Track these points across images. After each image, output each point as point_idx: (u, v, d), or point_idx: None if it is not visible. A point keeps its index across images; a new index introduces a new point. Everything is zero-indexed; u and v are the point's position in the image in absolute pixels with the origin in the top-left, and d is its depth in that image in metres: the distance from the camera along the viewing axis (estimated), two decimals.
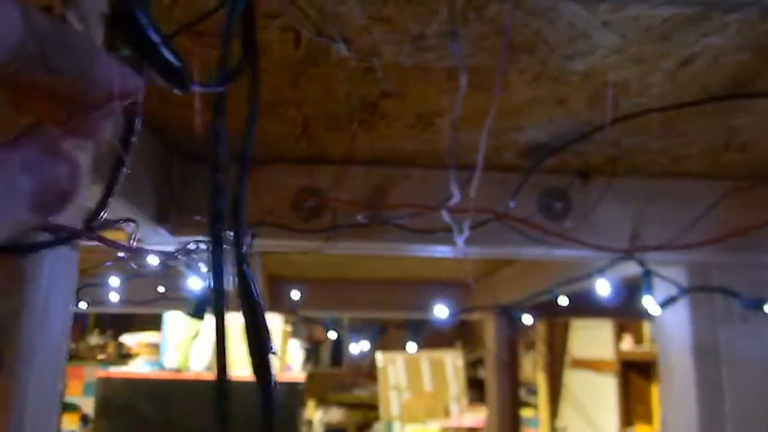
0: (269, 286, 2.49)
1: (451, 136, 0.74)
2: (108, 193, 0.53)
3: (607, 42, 0.64)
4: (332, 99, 0.81)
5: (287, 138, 0.97)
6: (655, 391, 3.56)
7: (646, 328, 3.61)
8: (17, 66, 0.23)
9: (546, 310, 1.93)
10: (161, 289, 1.66)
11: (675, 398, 1.11)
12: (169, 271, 1.34)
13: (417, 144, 0.97)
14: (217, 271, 0.24)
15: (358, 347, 1.72)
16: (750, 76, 0.70)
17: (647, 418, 3.58)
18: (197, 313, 1.17)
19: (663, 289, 1.03)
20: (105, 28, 0.23)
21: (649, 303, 0.95)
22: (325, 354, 7.58)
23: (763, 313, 1.04)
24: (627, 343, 3.72)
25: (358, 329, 1.78)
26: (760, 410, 1.05)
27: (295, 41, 0.67)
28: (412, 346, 1.53)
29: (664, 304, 0.92)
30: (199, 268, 1.18)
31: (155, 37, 0.23)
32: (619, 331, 3.76)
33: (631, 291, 1.18)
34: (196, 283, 1.18)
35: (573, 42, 0.64)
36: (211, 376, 3.66)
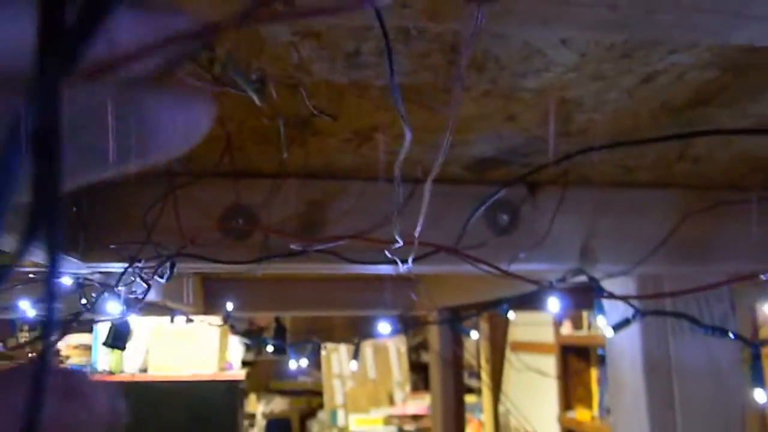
0: (202, 287, 2.37)
1: (394, 190, 0.66)
2: None
3: (564, 60, 0.57)
4: (256, 116, 0.72)
5: (210, 154, 0.87)
6: (594, 375, 3.62)
7: (585, 314, 3.66)
8: None
9: (488, 307, 1.89)
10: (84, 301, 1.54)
11: (625, 413, 1.08)
12: (87, 291, 1.22)
13: (355, 158, 0.89)
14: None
15: (296, 364, 1.64)
16: (715, 92, 0.65)
17: (587, 401, 3.65)
18: (114, 344, 1.06)
19: (613, 304, 1.00)
20: None
21: (603, 324, 0.91)
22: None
23: (714, 316, 1.02)
24: (566, 328, 3.77)
25: (295, 346, 1.71)
26: (712, 423, 1.03)
27: (210, 57, 0.57)
28: (354, 365, 1.47)
29: (618, 327, 0.88)
30: (117, 293, 1.07)
31: None
32: (560, 318, 3.80)
33: (573, 291, 1.14)
34: (114, 307, 1.07)
35: (526, 60, 0.57)
36: (146, 377, 3.51)
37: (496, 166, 0.89)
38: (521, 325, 4.43)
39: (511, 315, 1.07)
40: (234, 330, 2.02)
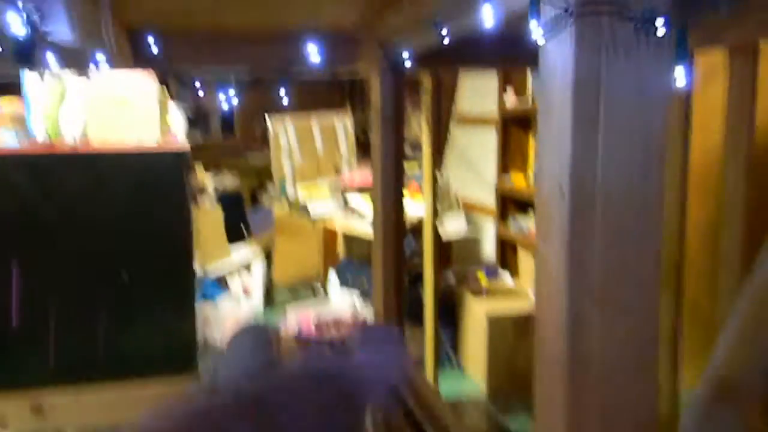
0: (129, 39, 2.22)
1: None
2: None
3: None
4: None
5: None
6: (532, 143, 3.74)
7: (529, 81, 3.67)
8: None
9: (433, 58, 1.84)
10: None
11: (551, 134, 1.10)
12: None
13: None
14: None
15: (224, 107, 1.60)
16: None
17: (522, 167, 3.82)
18: (22, 58, 0.98)
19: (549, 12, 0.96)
20: None
21: (535, 29, 0.87)
22: (216, 123, 7.37)
23: (649, 41, 0.99)
24: (510, 99, 3.79)
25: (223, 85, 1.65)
26: (630, 145, 1.06)
27: None
28: (283, 96, 1.44)
29: (549, 30, 0.85)
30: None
31: None
32: (504, 85, 3.81)
33: (516, 38, 1.10)
34: (14, 19, 0.98)
35: None
36: (87, 146, 3.45)
37: None
38: (467, 93, 4.45)
39: (447, 38, 1.03)
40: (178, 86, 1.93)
